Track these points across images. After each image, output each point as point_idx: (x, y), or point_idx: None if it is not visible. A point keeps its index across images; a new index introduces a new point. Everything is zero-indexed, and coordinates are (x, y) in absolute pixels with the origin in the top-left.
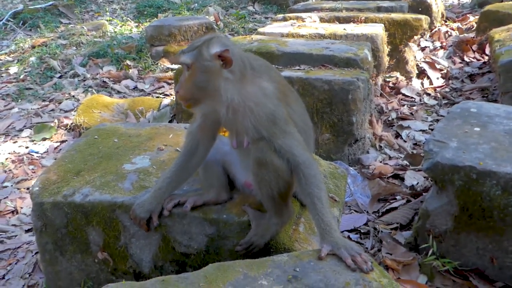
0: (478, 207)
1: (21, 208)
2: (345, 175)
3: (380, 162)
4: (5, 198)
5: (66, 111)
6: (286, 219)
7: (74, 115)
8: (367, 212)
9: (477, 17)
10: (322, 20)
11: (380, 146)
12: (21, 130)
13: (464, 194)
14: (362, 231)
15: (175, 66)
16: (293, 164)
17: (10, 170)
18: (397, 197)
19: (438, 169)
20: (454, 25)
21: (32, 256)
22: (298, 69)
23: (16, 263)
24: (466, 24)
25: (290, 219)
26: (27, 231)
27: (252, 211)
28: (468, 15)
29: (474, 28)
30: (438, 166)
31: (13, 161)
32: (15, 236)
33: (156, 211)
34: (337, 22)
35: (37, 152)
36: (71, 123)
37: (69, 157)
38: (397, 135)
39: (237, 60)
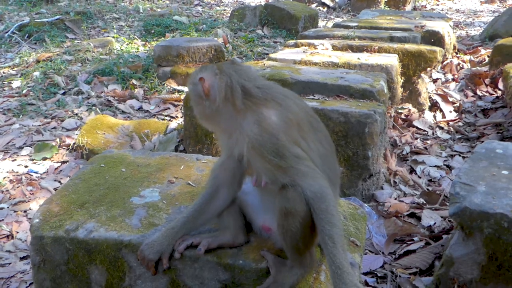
0: (508, 257)
1: (17, 232)
2: (365, 216)
3: (395, 199)
4: (0, 221)
5: (68, 130)
6: (309, 269)
7: (76, 134)
8: (383, 253)
9: (488, 50)
10: (334, 48)
11: (395, 182)
12: (21, 148)
13: (493, 242)
14: (378, 274)
15: (182, 88)
16: (305, 198)
17: (7, 190)
18: (415, 239)
19: (466, 215)
20: (466, 58)
21: (26, 287)
22: (313, 98)
23: None
24: (477, 57)
25: (312, 269)
26: (22, 258)
27: (272, 257)
28: (479, 48)
29: (487, 61)
30: (466, 212)
31: (11, 181)
32: (9, 264)
33: (167, 252)
34: (350, 51)
35: (36, 172)
36: (73, 143)
37: (73, 186)
38: (411, 171)
39: (218, 91)
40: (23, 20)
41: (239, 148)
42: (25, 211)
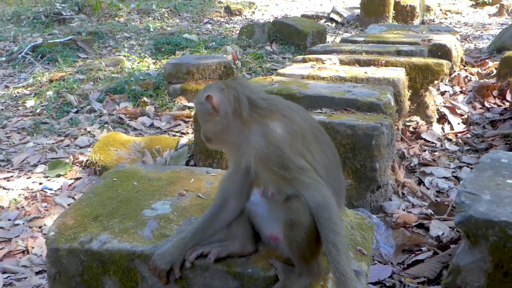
0: None
1: (32, 248)
2: (372, 226)
3: (403, 210)
4: (16, 236)
5: (81, 147)
6: (316, 277)
7: (89, 151)
8: (392, 263)
9: (496, 62)
10: (342, 62)
11: (403, 193)
12: (35, 166)
13: (498, 250)
14: (387, 284)
15: (192, 104)
16: (308, 208)
17: (22, 207)
18: (423, 249)
19: (471, 223)
20: (474, 70)
21: None
22: (320, 112)
23: None
24: (485, 69)
25: (320, 277)
26: (38, 273)
27: (281, 265)
28: (487, 60)
29: (494, 73)
30: (471, 220)
31: (26, 198)
32: (25, 278)
33: (178, 262)
34: (357, 65)
35: (50, 189)
36: (86, 160)
37: (87, 200)
38: (420, 182)
39: (228, 104)
40: (36, 41)
41: (246, 160)
42: (40, 227)
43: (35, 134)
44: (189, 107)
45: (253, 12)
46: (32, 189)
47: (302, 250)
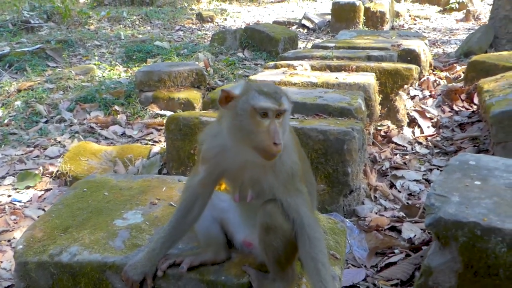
0: (483, 264)
1: (1, 262)
2: (345, 230)
3: (376, 213)
4: None
5: (51, 158)
6: (291, 283)
7: (59, 162)
8: (365, 266)
9: (464, 66)
10: (313, 68)
11: (375, 197)
12: (3, 178)
13: (468, 250)
14: (361, 287)
15: (164, 112)
16: (299, 225)
17: None
18: (395, 251)
19: (440, 225)
20: (442, 74)
21: None
22: (292, 118)
23: None
24: (453, 74)
25: (294, 282)
26: None
27: (254, 272)
28: (454, 65)
29: (462, 77)
30: (441, 221)
31: None
32: None
33: (150, 273)
34: (328, 71)
35: (20, 201)
36: (57, 171)
37: (57, 211)
38: (391, 185)
39: None
40: (3, 50)
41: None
42: (9, 240)
43: (3, 145)
44: (161, 115)
45: (225, 19)
46: (0, 201)
47: (278, 255)
